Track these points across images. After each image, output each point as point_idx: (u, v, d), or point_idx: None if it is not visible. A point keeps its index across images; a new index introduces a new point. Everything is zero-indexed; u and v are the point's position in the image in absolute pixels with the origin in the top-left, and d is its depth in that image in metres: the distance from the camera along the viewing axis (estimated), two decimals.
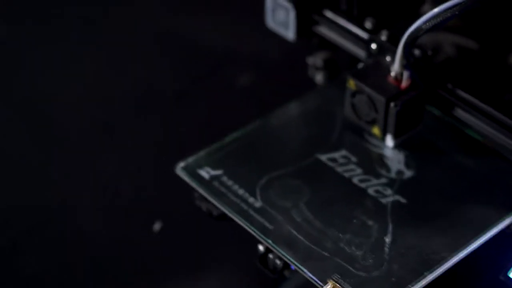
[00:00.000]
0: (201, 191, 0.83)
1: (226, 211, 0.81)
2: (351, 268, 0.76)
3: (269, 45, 1.19)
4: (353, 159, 0.86)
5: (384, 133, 0.86)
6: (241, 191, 0.83)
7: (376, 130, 0.86)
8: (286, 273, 0.81)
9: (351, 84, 0.86)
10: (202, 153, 0.87)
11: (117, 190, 1.02)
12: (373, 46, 0.89)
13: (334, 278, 0.75)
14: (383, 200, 0.82)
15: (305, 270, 0.76)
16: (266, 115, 0.91)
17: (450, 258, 0.77)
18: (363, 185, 0.84)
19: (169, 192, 1.00)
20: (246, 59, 1.20)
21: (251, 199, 0.82)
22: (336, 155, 0.87)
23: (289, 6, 0.95)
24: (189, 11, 1.29)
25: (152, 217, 0.98)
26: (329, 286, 0.75)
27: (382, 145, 0.88)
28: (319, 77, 1.00)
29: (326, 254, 0.77)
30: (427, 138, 0.89)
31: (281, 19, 0.97)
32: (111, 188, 1.02)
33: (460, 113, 0.88)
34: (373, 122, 0.86)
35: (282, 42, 1.04)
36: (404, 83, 0.85)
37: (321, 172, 0.85)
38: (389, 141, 0.87)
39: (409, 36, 0.82)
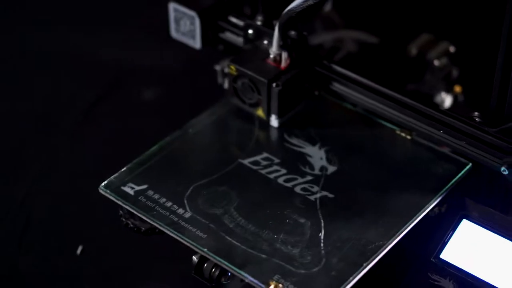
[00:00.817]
0: (128, 207, 0.82)
1: (157, 225, 0.80)
2: (290, 267, 0.76)
3: (172, 57, 1.19)
4: (276, 160, 0.86)
5: (268, 114, 0.89)
6: (168, 203, 0.82)
7: (260, 112, 0.89)
8: (223, 280, 0.80)
9: (232, 69, 0.89)
10: (123, 169, 0.85)
11: (32, 216, 0.98)
12: (250, 31, 0.92)
13: (275, 279, 0.75)
14: (311, 197, 0.83)
15: (245, 275, 0.76)
16: (182, 126, 0.90)
17: (386, 246, 0.78)
18: (289, 184, 0.84)
19: (91, 213, 0.98)
20: (150, 72, 1.18)
21: (180, 210, 0.81)
22: (258, 158, 0.87)
23: (194, 15, 0.95)
24: (87, 29, 1.27)
25: (76, 240, 0.95)
26: (272, 287, 0.74)
27: (302, 144, 0.88)
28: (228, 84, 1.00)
29: (263, 256, 0.77)
30: (345, 133, 0.90)
31: (187, 29, 0.96)
32: (26, 214, 0.99)
33: (338, 87, 0.91)
34: (256, 105, 0.89)
35: (184, 52, 1.03)
36: (283, 64, 0.89)
37: (246, 176, 0.85)
38: (274, 121, 0.90)
39: (284, 18, 0.86)
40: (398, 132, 0.89)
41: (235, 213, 0.81)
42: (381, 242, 0.78)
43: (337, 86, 0.91)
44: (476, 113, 0.85)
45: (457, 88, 1.04)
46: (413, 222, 0.80)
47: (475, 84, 1.05)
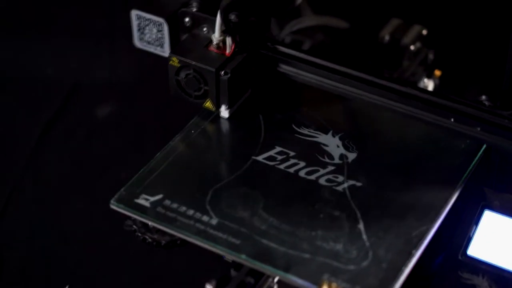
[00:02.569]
0: (148, 220, 0.75)
1: (184, 236, 0.74)
2: (338, 264, 0.71)
3: (121, 70, 1.11)
4: (291, 153, 0.81)
5: (217, 106, 0.84)
6: (190, 211, 0.75)
7: (208, 104, 0.84)
8: None
9: (174, 61, 0.83)
10: (131, 181, 0.78)
11: (34, 244, 0.90)
12: (186, 19, 0.87)
13: (325, 278, 0.70)
14: (339, 188, 0.78)
15: (292, 278, 0.70)
16: (183, 129, 0.84)
17: (430, 230, 0.74)
18: (312, 177, 0.79)
19: (95, 234, 0.90)
20: (101, 87, 1.10)
21: (204, 217, 0.75)
22: (271, 153, 0.81)
23: (162, 21, 0.88)
24: (27, 46, 1.18)
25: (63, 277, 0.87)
26: None
27: (314, 133, 0.84)
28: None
29: (306, 256, 0.72)
30: (353, 118, 0.86)
31: (153, 37, 0.90)
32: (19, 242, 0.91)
33: (285, 68, 0.87)
34: (203, 97, 0.84)
35: (134, 65, 0.96)
36: (228, 50, 0.84)
37: (264, 173, 0.79)
38: (224, 112, 0.84)
39: (226, 1, 0.81)
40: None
41: (265, 214, 0.75)
42: (424, 227, 0.74)
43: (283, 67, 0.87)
44: (483, 97, 0.82)
45: (437, 72, 1.01)
46: (450, 201, 0.77)
47: (453, 65, 1.02)
